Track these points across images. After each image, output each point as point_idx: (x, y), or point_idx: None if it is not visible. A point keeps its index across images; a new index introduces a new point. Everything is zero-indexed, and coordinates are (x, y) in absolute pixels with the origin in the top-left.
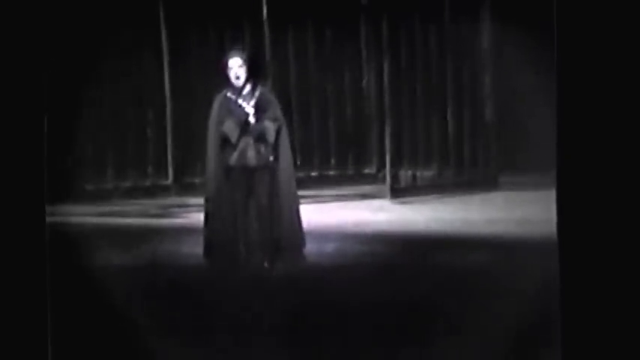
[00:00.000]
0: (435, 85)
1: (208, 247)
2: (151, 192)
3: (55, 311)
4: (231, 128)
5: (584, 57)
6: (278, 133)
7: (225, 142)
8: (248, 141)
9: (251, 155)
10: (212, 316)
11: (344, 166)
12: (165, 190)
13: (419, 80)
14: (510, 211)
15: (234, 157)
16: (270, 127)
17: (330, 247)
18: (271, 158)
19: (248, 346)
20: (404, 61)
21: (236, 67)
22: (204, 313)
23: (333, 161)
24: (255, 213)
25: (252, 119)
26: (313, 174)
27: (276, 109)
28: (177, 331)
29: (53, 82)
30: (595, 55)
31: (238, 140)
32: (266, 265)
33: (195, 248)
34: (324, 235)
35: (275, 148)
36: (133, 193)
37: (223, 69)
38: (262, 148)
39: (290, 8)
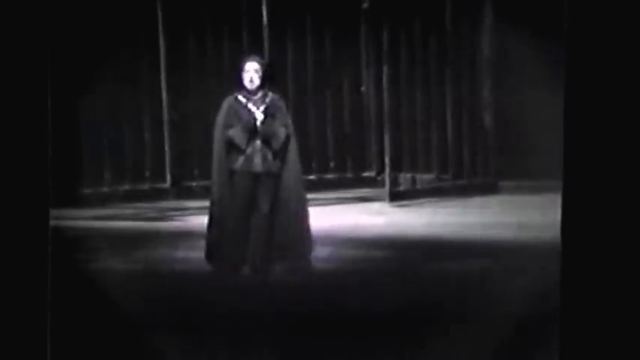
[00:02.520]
0: (434, 89)
1: (210, 251)
2: (149, 195)
3: (54, 314)
4: (238, 134)
5: (590, 60)
6: (287, 140)
7: (231, 146)
8: (255, 146)
9: (257, 161)
10: (211, 321)
11: (343, 170)
12: (163, 194)
13: (418, 84)
14: (509, 216)
15: (240, 162)
16: (279, 133)
17: (327, 251)
18: (278, 165)
19: (247, 351)
20: (404, 65)
21: (252, 71)
22: (203, 318)
23: (332, 165)
24: (257, 220)
25: (260, 124)
26: (312, 177)
27: (285, 117)
28: (177, 335)
29: (52, 87)
30: (603, 58)
31: (247, 146)
32: (260, 271)
33: (192, 252)
34: (322, 239)
35: (283, 155)
36: (131, 197)
37: (239, 71)
38: (269, 155)
39: (290, 12)
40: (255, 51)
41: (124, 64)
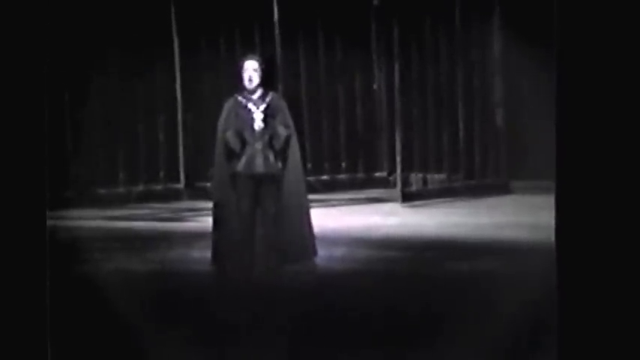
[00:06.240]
0: (445, 89)
1: (216, 253)
2: (163, 196)
3: (59, 315)
4: (232, 138)
5: (586, 62)
6: (288, 140)
7: (230, 150)
8: (257, 147)
9: (259, 162)
10: (218, 323)
11: (355, 170)
12: (177, 194)
13: (430, 84)
14: (521, 216)
15: (241, 164)
16: (281, 132)
17: (340, 252)
18: (279, 165)
19: (258, 353)
20: (415, 65)
21: (250, 70)
22: (210, 319)
23: (343, 165)
24: (261, 222)
25: (260, 124)
26: (324, 178)
27: (286, 116)
28: (182, 337)
29: (67, 89)
30: (597, 60)
31: (243, 148)
32: (271, 272)
33: (206, 252)
34: (334, 239)
35: (284, 156)
36: (145, 197)
37: (238, 71)
38: (271, 155)
39: (301, 12)
40: (254, 51)
41: (139, 65)
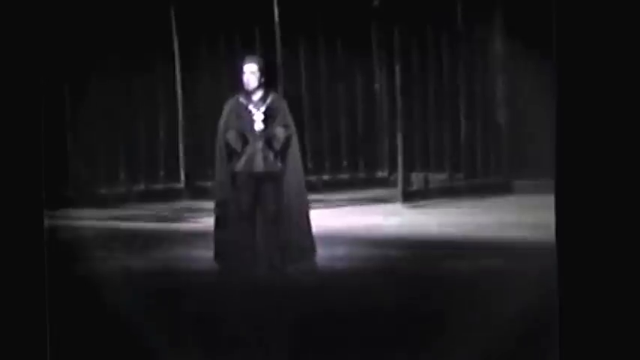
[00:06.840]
0: (446, 89)
1: (218, 252)
2: (164, 196)
3: (59, 315)
4: (233, 138)
5: (586, 62)
6: (288, 140)
7: (231, 149)
8: (256, 147)
9: (259, 162)
10: (219, 322)
11: (355, 170)
12: (177, 194)
13: (431, 84)
14: (522, 216)
15: (241, 163)
16: (280, 133)
17: (341, 251)
18: (279, 165)
19: (255, 353)
20: (416, 65)
21: (248, 73)
22: (211, 318)
23: (344, 165)
24: (261, 220)
25: (261, 125)
26: (325, 178)
27: (286, 117)
28: (184, 336)
29: (67, 88)
30: (597, 60)
31: (244, 148)
32: (273, 271)
33: (206, 252)
34: (335, 239)
35: (284, 155)
36: (145, 197)
37: (238, 72)
38: (270, 155)
39: (302, 13)
40: (254, 52)
41: (139, 65)
